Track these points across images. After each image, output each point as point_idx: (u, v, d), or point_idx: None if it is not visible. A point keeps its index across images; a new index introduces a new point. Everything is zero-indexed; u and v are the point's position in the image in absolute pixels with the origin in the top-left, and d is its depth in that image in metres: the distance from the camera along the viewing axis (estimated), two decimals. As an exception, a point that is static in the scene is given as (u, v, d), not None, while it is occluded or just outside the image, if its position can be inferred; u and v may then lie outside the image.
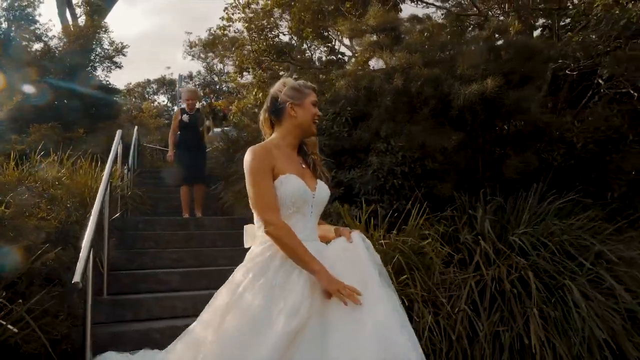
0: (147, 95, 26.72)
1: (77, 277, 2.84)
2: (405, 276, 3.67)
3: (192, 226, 5.80)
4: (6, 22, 16.13)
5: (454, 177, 4.98)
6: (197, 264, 4.88)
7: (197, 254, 5.00)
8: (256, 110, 7.95)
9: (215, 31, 9.34)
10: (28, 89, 9.31)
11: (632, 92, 5.11)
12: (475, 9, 7.58)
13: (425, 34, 5.37)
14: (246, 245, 2.22)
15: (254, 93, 8.20)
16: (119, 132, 5.61)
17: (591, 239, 4.12)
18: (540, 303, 3.64)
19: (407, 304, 3.43)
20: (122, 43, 10.46)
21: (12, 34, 16.02)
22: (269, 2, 7.91)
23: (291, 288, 1.93)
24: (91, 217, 3.56)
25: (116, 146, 5.15)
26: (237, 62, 8.77)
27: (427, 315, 3.47)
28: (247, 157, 2.08)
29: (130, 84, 24.90)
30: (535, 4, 7.22)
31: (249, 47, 8.20)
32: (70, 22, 12.98)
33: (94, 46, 9.50)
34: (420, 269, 3.77)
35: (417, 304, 3.54)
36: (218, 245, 5.27)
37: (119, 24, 54.26)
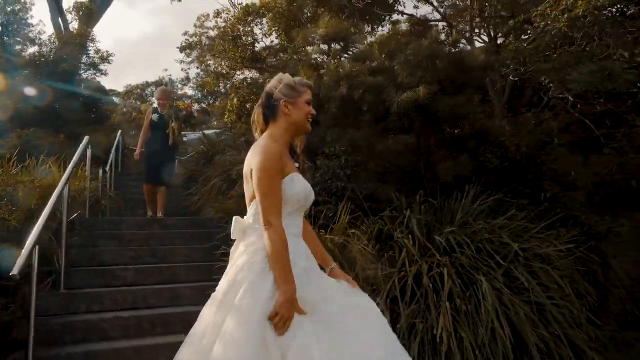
0: (145, 97, 27.18)
1: (15, 270, 3.15)
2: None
3: (155, 226, 6.12)
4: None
5: (396, 179, 5.26)
6: (153, 261, 5.20)
7: (155, 251, 5.33)
8: (234, 116, 8.23)
9: (188, 39, 9.71)
10: (18, 92, 9.70)
11: (570, 97, 5.35)
12: (439, 15, 7.84)
13: (376, 43, 5.64)
14: (233, 237, 2.18)
15: (231, 97, 8.51)
16: (86, 138, 5.94)
17: (511, 237, 4.39)
18: (456, 297, 3.92)
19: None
20: (107, 51, 10.84)
21: (5, 37, 16.50)
22: (241, 11, 8.22)
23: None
24: (41, 216, 3.89)
25: (81, 150, 5.48)
26: (212, 69, 9.08)
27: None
28: (262, 155, 2.01)
29: (130, 85, 25.43)
30: (497, 11, 7.49)
31: (225, 54, 8.52)
32: (62, 27, 13.38)
33: (78, 54, 9.82)
34: (345, 265, 4.06)
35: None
36: (176, 244, 5.59)
37: (118, 25, 54.96)
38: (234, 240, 2.20)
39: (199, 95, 23.87)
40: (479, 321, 3.79)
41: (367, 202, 5.14)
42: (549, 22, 5.04)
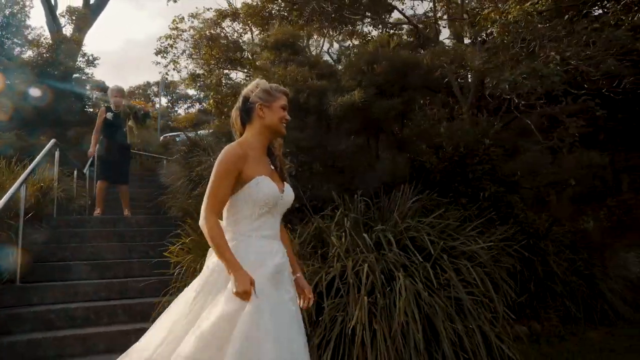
0: (149, 97, 27.68)
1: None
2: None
3: (119, 224, 6.42)
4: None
5: (341, 179, 5.47)
6: (110, 257, 5.50)
7: (113, 248, 5.62)
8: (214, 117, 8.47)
9: (164, 42, 10.02)
10: (15, 93, 10.10)
11: (515, 99, 5.51)
12: (405, 19, 8.01)
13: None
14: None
15: (209, 98, 8.80)
16: (52, 141, 6.25)
17: (443, 235, 4.60)
18: (377, 292, 4.13)
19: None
20: (92, 55, 11.16)
21: (4, 39, 16.98)
22: (216, 13, 8.50)
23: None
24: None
25: (45, 152, 5.79)
26: (187, 71, 9.41)
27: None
28: (222, 154, 2.13)
29: (131, 86, 25.93)
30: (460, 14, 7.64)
31: (202, 54, 8.81)
32: (56, 31, 13.79)
33: (63, 59, 10.15)
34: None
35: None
36: (136, 241, 5.87)
37: (128, 26, 55.66)
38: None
39: (201, 96, 24.31)
40: (396, 315, 4.00)
41: (312, 202, 5.37)
42: (488, 25, 5.22)
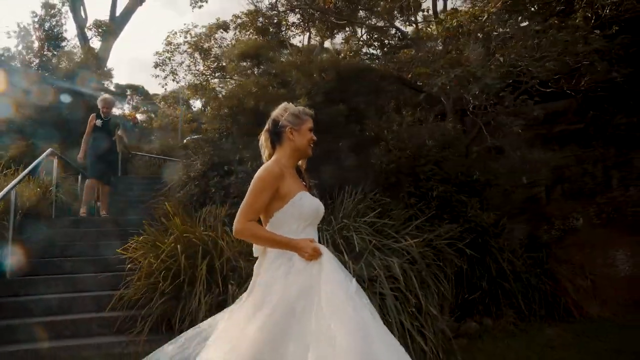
0: (180, 102, 28.81)
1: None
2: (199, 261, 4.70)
3: (106, 225, 7.01)
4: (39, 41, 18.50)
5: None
6: (92, 253, 6.10)
7: (94, 247, 6.21)
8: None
9: (160, 56, 10.66)
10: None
11: (470, 99, 5.68)
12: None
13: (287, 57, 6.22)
14: (255, 255, 2.43)
15: (208, 108, 9.36)
16: (49, 150, 6.96)
17: (383, 234, 4.87)
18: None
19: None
20: (108, 69, 11.98)
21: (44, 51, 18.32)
22: (208, 27, 9.04)
23: None
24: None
25: (40, 160, 6.50)
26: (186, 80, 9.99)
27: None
28: (263, 171, 2.29)
29: (166, 90, 27.13)
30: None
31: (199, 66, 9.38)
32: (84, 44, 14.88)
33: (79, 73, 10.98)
34: (215, 256, 4.74)
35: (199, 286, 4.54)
36: (111, 240, 6.38)
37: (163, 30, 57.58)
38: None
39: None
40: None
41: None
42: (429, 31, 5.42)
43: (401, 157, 5.48)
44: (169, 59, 10.12)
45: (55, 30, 19.02)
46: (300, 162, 2.51)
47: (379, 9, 7.41)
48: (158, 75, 10.88)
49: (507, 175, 7.18)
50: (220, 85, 8.93)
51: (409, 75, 5.59)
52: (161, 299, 4.63)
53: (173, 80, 10.56)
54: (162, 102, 25.48)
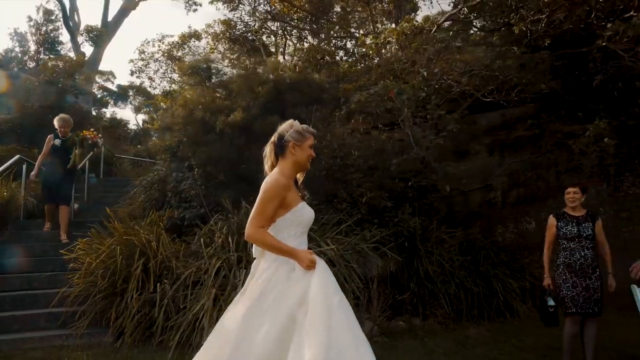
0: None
1: None
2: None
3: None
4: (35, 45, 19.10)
5: (242, 188, 6.21)
6: (52, 253, 6.53)
7: (55, 247, 6.63)
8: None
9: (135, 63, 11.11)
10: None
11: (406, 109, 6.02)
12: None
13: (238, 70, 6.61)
14: (254, 256, 2.68)
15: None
16: (16, 157, 7.43)
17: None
18: (228, 285, 4.86)
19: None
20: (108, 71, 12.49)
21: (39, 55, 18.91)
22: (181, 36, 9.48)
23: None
24: None
25: (7, 166, 6.97)
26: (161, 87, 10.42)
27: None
28: (272, 182, 2.52)
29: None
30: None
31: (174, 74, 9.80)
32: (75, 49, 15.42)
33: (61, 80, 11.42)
34: (150, 257, 5.17)
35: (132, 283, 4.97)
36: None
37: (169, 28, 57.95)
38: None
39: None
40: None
41: (215, 207, 6.18)
42: (363, 48, 5.78)
43: (332, 165, 5.83)
44: (145, 66, 10.58)
45: (52, 34, 19.70)
46: (298, 176, 2.76)
47: (334, 18, 7.78)
48: (133, 82, 11.39)
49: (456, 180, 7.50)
50: (174, 97, 9.37)
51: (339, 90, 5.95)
52: (99, 296, 5.07)
53: (150, 86, 11.05)
54: (162, 103, 26.07)
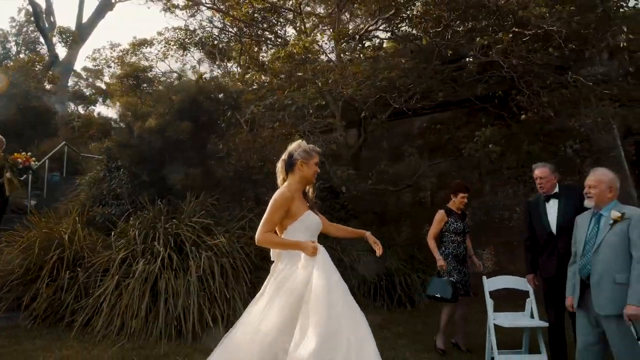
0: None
1: None
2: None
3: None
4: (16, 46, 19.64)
5: (162, 186, 6.79)
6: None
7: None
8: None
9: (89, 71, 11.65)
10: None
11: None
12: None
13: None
14: (272, 259, 3.08)
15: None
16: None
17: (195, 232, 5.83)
18: (131, 274, 5.46)
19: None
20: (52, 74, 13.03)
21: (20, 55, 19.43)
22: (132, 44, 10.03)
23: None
24: None
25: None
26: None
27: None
28: (279, 195, 2.96)
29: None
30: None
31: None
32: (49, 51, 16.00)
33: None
34: (66, 248, 5.77)
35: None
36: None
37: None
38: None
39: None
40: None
41: (137, 203, 6.78)
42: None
43: (237, 167, 6.42)
44: (101, 72, 11.10)
45: (33, 35, 20.23)
46: (308, 189, 3.18)
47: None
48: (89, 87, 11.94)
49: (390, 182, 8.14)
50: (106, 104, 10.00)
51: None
52: (16, 282, 5.68)
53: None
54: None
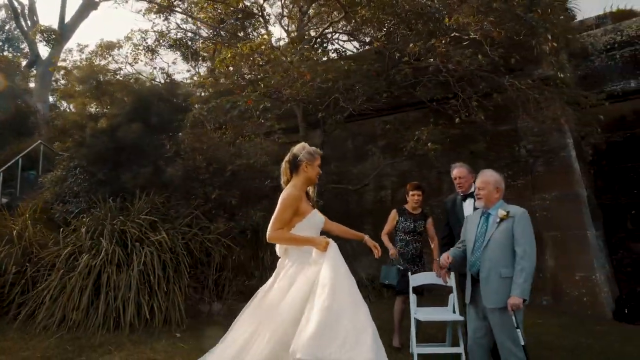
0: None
1: None
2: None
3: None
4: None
5: (118, 184, 7.02)
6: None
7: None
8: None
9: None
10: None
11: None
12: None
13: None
14: (278, 254, 3.26)
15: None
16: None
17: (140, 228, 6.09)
18: (77, 268, 5.71)
19: None
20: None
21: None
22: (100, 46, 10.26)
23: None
24: None
25: None
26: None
27: None
28: (289, 194, 3.14)
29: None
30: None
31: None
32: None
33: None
34: (15, 243, 6.02)
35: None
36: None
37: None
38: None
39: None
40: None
41: (92, 200, 7.02)
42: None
43: (186, 166, 6.66)
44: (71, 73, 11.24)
45: (15, 32, 20.40)
46: (310, 189, 3.37)
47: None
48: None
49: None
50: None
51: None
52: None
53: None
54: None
